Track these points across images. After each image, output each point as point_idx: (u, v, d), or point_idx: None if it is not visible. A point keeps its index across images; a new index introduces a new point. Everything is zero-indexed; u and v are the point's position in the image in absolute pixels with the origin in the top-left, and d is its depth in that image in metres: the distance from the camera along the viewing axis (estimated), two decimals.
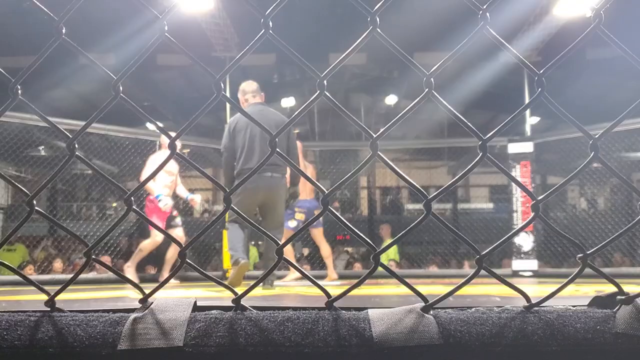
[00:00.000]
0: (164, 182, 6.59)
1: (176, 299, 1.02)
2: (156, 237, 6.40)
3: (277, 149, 1.00)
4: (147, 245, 6.48)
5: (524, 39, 9.61)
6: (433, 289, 4.61)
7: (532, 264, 8.77)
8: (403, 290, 4.19)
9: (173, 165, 6.78)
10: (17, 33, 9.57)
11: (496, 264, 10.63)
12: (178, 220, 6.92)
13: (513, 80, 10.41)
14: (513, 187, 9.06)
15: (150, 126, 11.66)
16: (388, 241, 11.20)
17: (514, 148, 9.05)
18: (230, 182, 5.29)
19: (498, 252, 11.13)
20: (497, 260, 10.75)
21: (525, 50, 9.65)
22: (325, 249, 7.47)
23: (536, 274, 8.69)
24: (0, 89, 0.95)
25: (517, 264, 8.86)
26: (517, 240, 8.80)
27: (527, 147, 9.02)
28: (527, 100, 0.88)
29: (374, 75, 13.91)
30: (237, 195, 4.73)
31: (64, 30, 0.96)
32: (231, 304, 1.03)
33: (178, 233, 6.69)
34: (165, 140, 6.27)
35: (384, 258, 1.08)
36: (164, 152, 6.57)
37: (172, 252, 6.61)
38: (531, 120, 10.57)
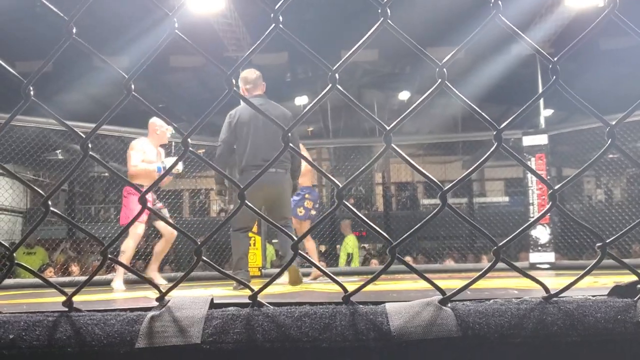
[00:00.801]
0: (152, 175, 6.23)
1: (193, 297, 1.02)
2: (137, 230, 6.03)
3: (290, 144, 0.99)
4: (129, 243, 6.10)
5: (536, 30, 9.56)
6: (451, 283, 4.58)
7: (550, 257, 8.71)
8: (421, 285, 4.19)
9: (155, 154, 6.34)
10: (29, 38, 9.66)
11: (513, 257, 10.58)
12: (165, 212, 6.54)
13: (526, 73, 10.35)
14: (529, 179, 9.00)
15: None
16: (350, 237, 11.11)
17: (528, 141, 8.98)
18: (220, 181, 5.26)
19: (515, 245, 11.07)
20: (514, 253, 10.70)
21: (538, 42, 9.59)
22: (310, 244, 7.07)
23: (553, 267, 8.63)
24: (16, 94, 0.95)
25: (534, 257, 8.81)
26: (534, 232, 8.74)
27: (541, 139, 8.95)
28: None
29: (386, 72, 13.89)
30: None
31: (74, 30, 0.96)
32: (248, 301, 1.03)
33: (164, 226, 6.23)
34: (152, 126, 6.23)
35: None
36: (144, 139, 6.31)
37: (162, 246, 6.23)
38: (545, 112, 10.50)
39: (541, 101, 8.98)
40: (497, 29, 0.98)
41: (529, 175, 8.92)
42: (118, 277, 5.95)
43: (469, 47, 0.98)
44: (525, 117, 11.20)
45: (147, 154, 6.09)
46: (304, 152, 6.60)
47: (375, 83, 14.77)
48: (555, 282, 4.74)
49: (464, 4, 8.52)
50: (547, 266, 8.64)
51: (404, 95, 15.44)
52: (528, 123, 10.42)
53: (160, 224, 6.17)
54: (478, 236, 10.90)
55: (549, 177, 8.96)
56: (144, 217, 5.86)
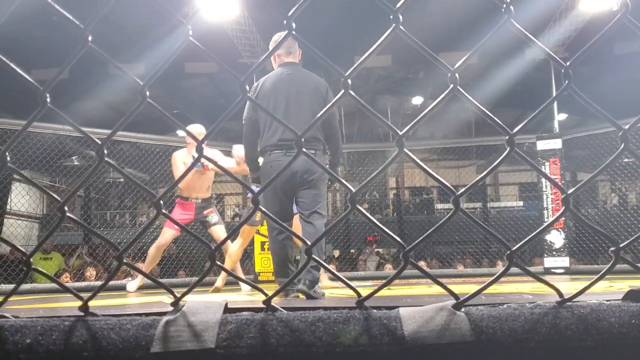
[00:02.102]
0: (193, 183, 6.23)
1: (207, 302, 1.03)
2: (162, 237, 6.02)
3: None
4: (151, 250, 6.07)
5: (550, 35, 9.53)
6: (465, 288, 4.57)
7: (564, 261, 8.66)
8: (435, 289, 4.17)
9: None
10: (46, 46, 9.77)
11: (528, 261, 10.52)
12: (212, 217, 6.31)
13: (540, 77, 10.32)
14: (543, 184, 8.96)
15: (180, 133, 11.81)
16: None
17: (542, 145, 8.95)
18: (252, 160, 4.27)
19: (529, 250, 11.00)
20: (529, 258, 10.64)
21: (552, 46, 9.56)
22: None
23: (568, 271, 8.58)
24: (32, 101, 0.97)
25: (549, 261, 8.76)
26: (549, 237, 8.70)
27: (555, 143, 8.91)
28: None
29: (399, 77, 13.90)
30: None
31: (90, 38, 0.98)
32: (262, 306, 1.04)
33: (217, 232, 6.24)
34: (189, 138, 6.16)
35: None
36: (184, 151, 6.26)
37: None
38: (559, 117, 10.45)
39: (555, 105, 8.95)
40: (511, 33, 0.98)
41: (543, 179, 8.88)
42: (136, 280, 6.02)
43: (482, 52, 0.98)
44: (539, 122, 11.14)
45: (188, 164, 6.06)
46: None
47: (388, 88, 14.79)
48: (570, 286, 4.71)
49: (477, 9, 8.52)
50: (561, 271, 8.58)
51: (418, 100, 15.46)
52: (542, 127, 10.38)
53: (215, 231, 6.17)
54: (493, 241, 10.85)
55: (563, 182, 8.91)
56: (177, 224, 5.85)
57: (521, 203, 15.58)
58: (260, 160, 4.20)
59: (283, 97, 4.06)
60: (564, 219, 8.22)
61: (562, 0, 8.95)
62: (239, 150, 5.51)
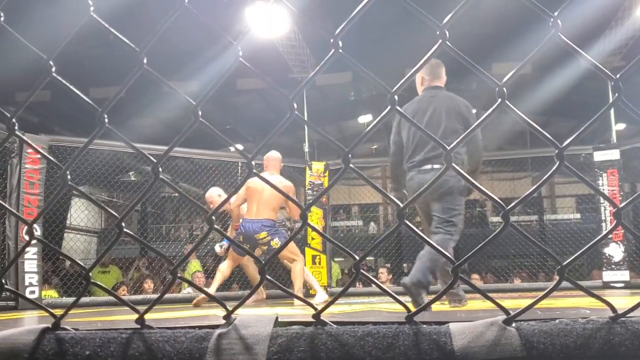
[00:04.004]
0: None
1: (258, 315, 1.04)
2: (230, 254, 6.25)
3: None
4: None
5: (606, 43, 9.28)
6: (520, 302, 4.47)
7: (624, 275, 8.36)
8: (489, 304, 4.07)
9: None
10: (103, 65, 10.09)
11: (586, 275, 10.23)
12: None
13: (596, 86, 10.07)
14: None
15: (232, 148, 11.99)
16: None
17: (599, 156, 8.69)
18: (395, 181, 4.51)
19: (587, 264, 10.68)
20: (587, 271, 10.34)
21: (608, 54, 9.32)
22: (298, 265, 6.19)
23: (628, 285, 8.27)
24: (89, 118, 1.01)
25: (607, 275, 8.47)
26: (607, 250, 8.42)
27: (613, 154, 8.64)
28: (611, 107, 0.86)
29: (452, 88, 13.75)
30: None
31: (145, 60, 1.02)
32: (312, 320, 1.05)
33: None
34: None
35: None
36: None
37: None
38: (617, 126, 10.16)
39: (612, 115, 8.69)
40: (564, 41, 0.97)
41: (601, 190, 8.62)
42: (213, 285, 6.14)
43: (535, 61, 0.98)
44: (596, 132, 10.83)
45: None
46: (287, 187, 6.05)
47: None
48: (629, 301, 4.55)
49: (530, 17, 8.38)
50: (621, 285, 8.29)
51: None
52: (599, 138, 10.10)
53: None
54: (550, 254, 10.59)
55: (621, 193, 8.62)
56: (227, 238, 5.98)
57: (578, 215, 15.19)
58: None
59: (424, 117, 4.25)
60: (623, 231, 7.96)
61: (618, 6, 8.73)
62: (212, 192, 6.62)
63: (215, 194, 6.74)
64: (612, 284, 8.33)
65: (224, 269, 6.06)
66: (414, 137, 4.24)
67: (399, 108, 0.99)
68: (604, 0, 8.22)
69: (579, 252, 0.99)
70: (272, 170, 6.21)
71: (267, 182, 1.16)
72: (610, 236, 8.04)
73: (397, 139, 4.41)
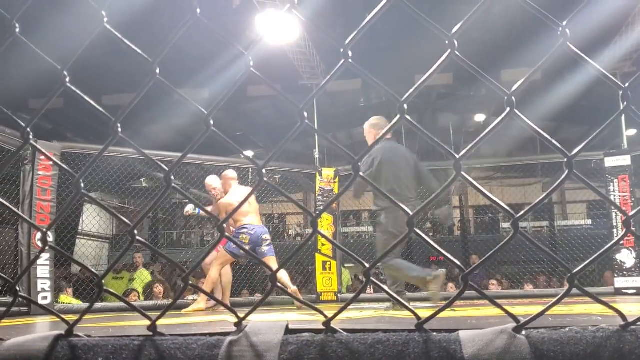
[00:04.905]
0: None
1: (269, 322, 1.05)
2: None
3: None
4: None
5: (616, 49, 9.22)
6: (531, 309, 4.44)
7: (636, 282, 8.27)
8: (500, 311, 4.06)
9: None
10: (116, 73, 10.14)
11: (597, 280, 10.15)
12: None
13: (607, 92, 9.99)
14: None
15: (246, 153, 12.00)
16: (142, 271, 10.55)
17: (610, 162, 8.64)
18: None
19: (598, 270, 10.60)
20: (598, 278, 10.26)
21: (618, 60, 9.25)
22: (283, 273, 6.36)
23: None
24: (101, 125, 1.02)
25: (619, 282, 8.39)
26: (619, 256, 8.34)
27: (624, 160, 8.58)
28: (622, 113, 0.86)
29: (461, 95, 13.74)
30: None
31: (158, 70, 1.03)
32: (322, 327, 1.05)
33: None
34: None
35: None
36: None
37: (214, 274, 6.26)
38: (628, 132, 10.08)
39: (623, 121, 8.63)
40: (575, 46, 0.97)
41: (612, 196, 8.56)
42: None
43: (545, 67, 0.98)
44: (606, 138, 10.75)
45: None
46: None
47: (450, 106, 14.63)
48: None
49: (540, 24, 8.36)
50: (633, 291, 8.21)
51: (480, 118, 15.23)
52: (610, 144, 10.03)
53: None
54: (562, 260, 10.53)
55: (633, 199, 8.55)
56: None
57: (589, 221, 15.09)
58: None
59: (396, 167, 5.48)
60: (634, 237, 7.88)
61: (629, 11, 8.67)
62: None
63: (215, 181, 7.16)
64: (624, 291, 8.25)
65: (213, 275, 6.18)
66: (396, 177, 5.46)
67: (408, 117, 1.00)
68: (614, 6, 8.17)
69: (588, 260, 0.99)
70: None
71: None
72: (621, 242, 7.99)
73: (371, 173, 5.36)
